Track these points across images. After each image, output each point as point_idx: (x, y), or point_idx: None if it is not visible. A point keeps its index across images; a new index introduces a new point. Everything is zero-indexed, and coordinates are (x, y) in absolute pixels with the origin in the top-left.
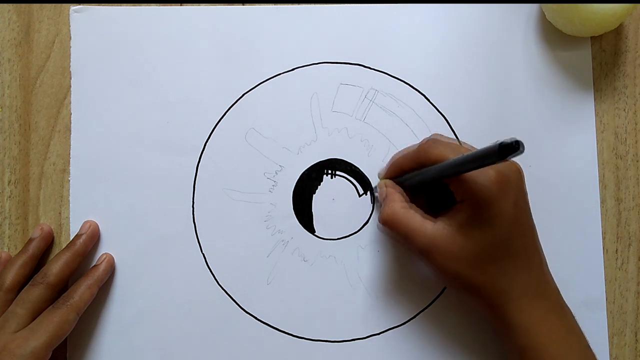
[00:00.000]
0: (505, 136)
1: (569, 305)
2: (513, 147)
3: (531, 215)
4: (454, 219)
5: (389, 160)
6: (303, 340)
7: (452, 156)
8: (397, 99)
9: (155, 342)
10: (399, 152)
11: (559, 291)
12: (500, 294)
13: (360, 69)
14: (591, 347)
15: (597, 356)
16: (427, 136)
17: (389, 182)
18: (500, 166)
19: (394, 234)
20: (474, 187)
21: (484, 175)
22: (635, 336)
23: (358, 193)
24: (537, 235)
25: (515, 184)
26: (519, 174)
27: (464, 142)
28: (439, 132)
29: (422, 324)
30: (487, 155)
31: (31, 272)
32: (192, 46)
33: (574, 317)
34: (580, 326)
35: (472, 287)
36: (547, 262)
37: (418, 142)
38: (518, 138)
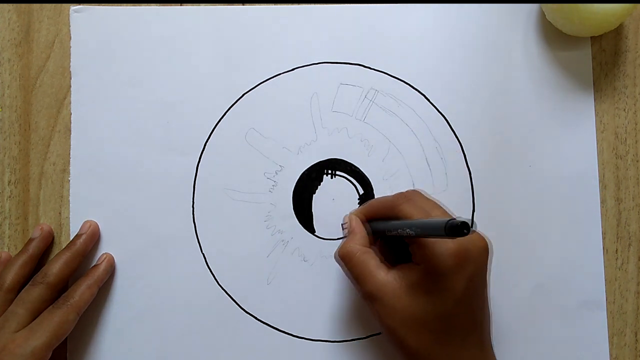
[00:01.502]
0: (505, 136)
1: (569, 306)
2: (459, 229)
3: (486, 293)
4: (405, 276)
5: (366, 203)
6: (303, 340)
7: (417, 216)
8: (397, 99)
9: (155, 342)
10: (378, 198)
11: None
12: None
13: (360, 69)
14: (590, 347)
15: (597, 356)
16: (410, 189)
17: (357, 218)
18: (464, 239)
19: (346, 271)
20: (430, 255)
21: (444, 246)
22: (635, 336)
23: (358, 193)
24: (485, 314)
25: (475, 260)
26: (483, 250)
27: (443, 205)
28: (434, 133)
29: None
30: (435, 227)
31: (31, 272)
32: (192, 46)
33: None
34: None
35: (405, 348)
36: (547, 262)
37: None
38: (469, 220)
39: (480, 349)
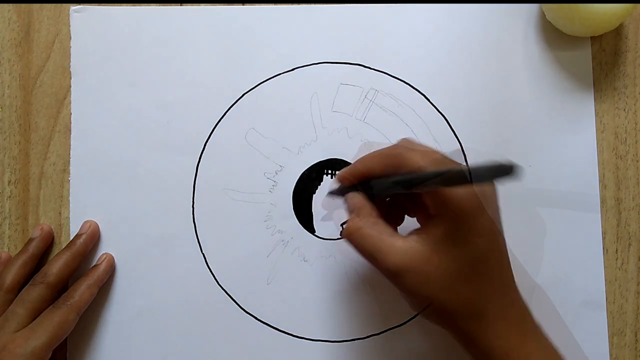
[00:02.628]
0: (505, 136)
1: (569, 306)
2: (510, 169)
3: (503, 231)
4: (428, 235)
5: (355, 162)
6: (303, 340)
7: (430, 166)
8: (397, 99)
9: (155, 342)
10: (368, 154)
11: (530, 311)
12: (476, 318)
13: (360, 69)
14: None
15: (597, 356)
16: (401, 138)
17: (357, 194)
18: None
19: (358, 249)
20: (454, 200)
21: (463, 188)
22: (635, 336)
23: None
24: (508, 253)
25: (492, 197)
26: (493, 186)
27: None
28: (434, 133)
29: (422, 324)
30: (484, 173)
31: (31, 272)
32: (192, 46)
33: (547, 335)
34: (556, 348)
35: (446, 312)
36: (547, 262)
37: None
38: (513, 161)
39: (515, 290)
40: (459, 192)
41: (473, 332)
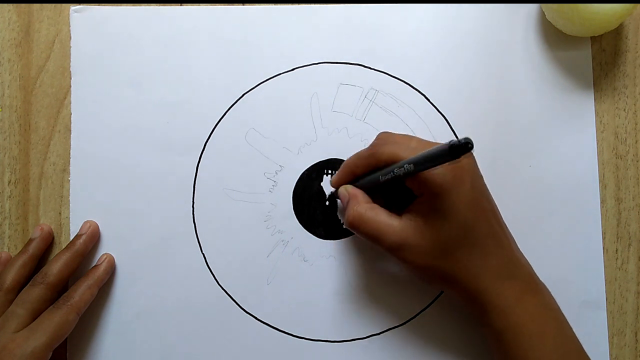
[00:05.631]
0: (505, 136)
1: (569, 306)
2: (464, 147)
3: (491, 197)
4: (417, 212)
5: (341, 166)
6: (303, 340)
7: (404, 154)
8: (397, 99)
9: (155, 342)
10: (350, 157)
11: (531, 269)
12: (473, 279)
13: (360, 69)
14: (590, 347)
15: (597, 356)
16: (376, 136)
17: (349, 186)
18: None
19: (362, 234)
20: (429, 180)
21: (438, 167)
22: (635, 336)
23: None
24: (500, 217)
25: (468, 169)
26: (470, 158)
27: (412, 136)
28: (434, 133)
29: (422, 324)
30: (439, 156)
31: (31, 272)
32: (192, 46)
33: (548, 291)
34: (556, 302)
35: (445, 277)
36: (547, 262)
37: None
38: (468, 137)
39: (512, 249)
40: (432, 171)
41: (471, 292)
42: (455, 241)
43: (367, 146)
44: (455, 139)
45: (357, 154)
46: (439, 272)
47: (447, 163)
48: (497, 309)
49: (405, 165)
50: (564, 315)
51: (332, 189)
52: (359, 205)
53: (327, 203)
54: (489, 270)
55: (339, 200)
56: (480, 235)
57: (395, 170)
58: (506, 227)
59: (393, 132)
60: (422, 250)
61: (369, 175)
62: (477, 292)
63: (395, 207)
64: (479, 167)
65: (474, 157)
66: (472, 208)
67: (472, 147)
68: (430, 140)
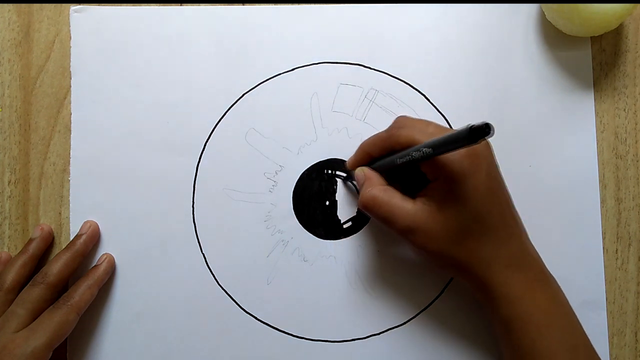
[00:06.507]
0: (505, 136)
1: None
2: (484, 131)
3: (506, 187)
4: (431, 197)
5: (357, 148)
6: (303, 340)
7: (421, 139)
8: (397, 99)
9: (155, 342)
10: (367, 139)
11: (541, 260)
12: (483, 267)
13: (360, 69)
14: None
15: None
16: (398, 116)
17: (365, 168)
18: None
19: (375, 216)
20: (446, 164)
21: (454, 153)
22: (635, 336)
23: (358, 193)
24: (514, 207)
25: (486, 157)
26: (487, 146)
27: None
28: (404, 114)
29: (422, 324)
30: (458, 139)
31: (31, 272)
32: (192, 46)
33: (557, 284)
34: (564, 295)
35: (455, 263)
36: (547, 262)
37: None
38: (488, 122)
39: (523, 240)
40: (449, 156)
41: (480, 280)
42: (467, 228)
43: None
44: (476, 123)
45: (373, 136)
46: (450, 258)
47: (465, 148)
48: (506, 298)
49: (423, 149)
50: (572, 310)
51: (343, 174)
52: (374, 187)
53: (327, 203)
54: (499, 259)
55: (349, 184)
56: (492, 224)
57: (413, 154)
58: (519, 217)
59: (410, 116)
60: (433, 235)
61: (385, 158)
62: (487, 280)
63: (409, 191)
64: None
65: (491, 145)
66: (486, 196)
67: (490, 131)
68: (448, 127)
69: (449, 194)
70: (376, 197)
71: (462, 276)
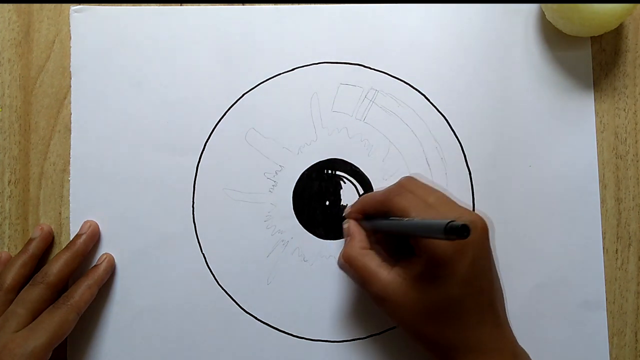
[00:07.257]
0: (505, 136)
1: (569, 306)
2: (460, 232)
3: (493, 272)
4: (410, 270)
5: (357, 199)
6: (303, 340)
7: (414, 213)
8: (397, 99)
9: (155, 342)
10: (368, 194)
11: (514, 341)
12: (451, 349)
13: (360, 69)
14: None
15: (597, 356)
16: (405, 176)
17: (352, 222)
18: (462, 221)
19: (350, 277)
20: (430, 245)
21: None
22: (635, 336)
23: (358, 193)
24: (495, 291)
25: (476, 243)
26: (482, 231)
27: (439, 186)
28: (434, 133)
29: None
30: (432, 231)
31: (31, 272)
32: (192, 46)
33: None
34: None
35: (422, 339)
36: (547, 262)
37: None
38: (467, 223)
39: (496, 325)
40: (436, 240)
41: (447, 359)
42: (437, 311)
43: (373, 156)
44: (455, 221)
45: (374, 193)
46: (417, 334)
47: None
48: None
49: (403, 227)
50: None
51: (344, 175)
52: (352, 248)
53: (327, 203)
54: (467, 343)
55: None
56: (464, 310)
57: (395, 228)
58: (499, 301)
59: (420, 177)
60: (403, 308)
61: (377, 219)
62: None
63: (398, 251)
64: (480, 169)
65: (487, 229)
66: (463, 284)
67: (467, 235)
68: (452, 199)
69: (426, 274)
70: (352, 259)
71: (429, 353)
